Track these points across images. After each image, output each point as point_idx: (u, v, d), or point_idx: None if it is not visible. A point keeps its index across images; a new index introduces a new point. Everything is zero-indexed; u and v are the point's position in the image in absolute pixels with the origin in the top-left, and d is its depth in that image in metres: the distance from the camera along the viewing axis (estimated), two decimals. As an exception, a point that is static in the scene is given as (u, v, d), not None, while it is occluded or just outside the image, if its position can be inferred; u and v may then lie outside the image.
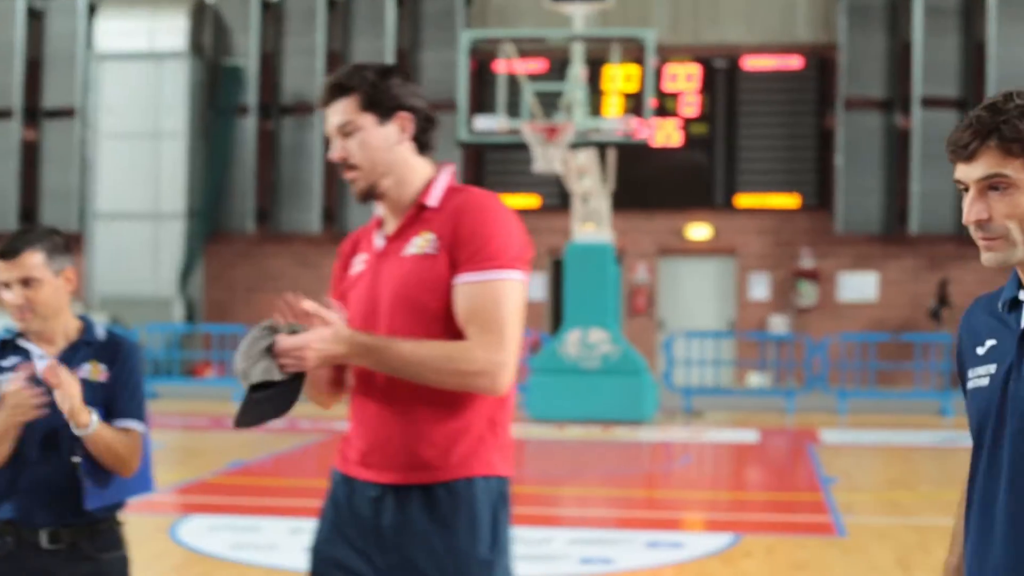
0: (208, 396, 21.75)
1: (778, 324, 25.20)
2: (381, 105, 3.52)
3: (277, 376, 3.29)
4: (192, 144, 26.14)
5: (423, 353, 3.35)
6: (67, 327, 4.22)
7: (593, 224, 19.44)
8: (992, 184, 2.55)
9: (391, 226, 3.58)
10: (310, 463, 14.29)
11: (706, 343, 22.25)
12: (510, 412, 3.57)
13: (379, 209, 3.62)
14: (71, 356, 4.17)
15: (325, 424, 17.27)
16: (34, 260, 4.10)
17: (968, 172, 2.58)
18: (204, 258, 26.73)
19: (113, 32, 26.18)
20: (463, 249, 3.42)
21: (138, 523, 8.24)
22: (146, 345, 23.09)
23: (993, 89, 23.98)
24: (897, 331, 23.88)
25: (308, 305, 3.35)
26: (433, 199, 3.53)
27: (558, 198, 24.12)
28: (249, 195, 26.52)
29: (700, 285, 25.97)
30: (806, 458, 14.69)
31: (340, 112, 3.52)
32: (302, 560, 8.32)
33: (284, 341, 3.30)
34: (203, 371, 24.53)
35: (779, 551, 8.99)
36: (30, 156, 27.38)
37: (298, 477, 13.27)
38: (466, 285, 3.40)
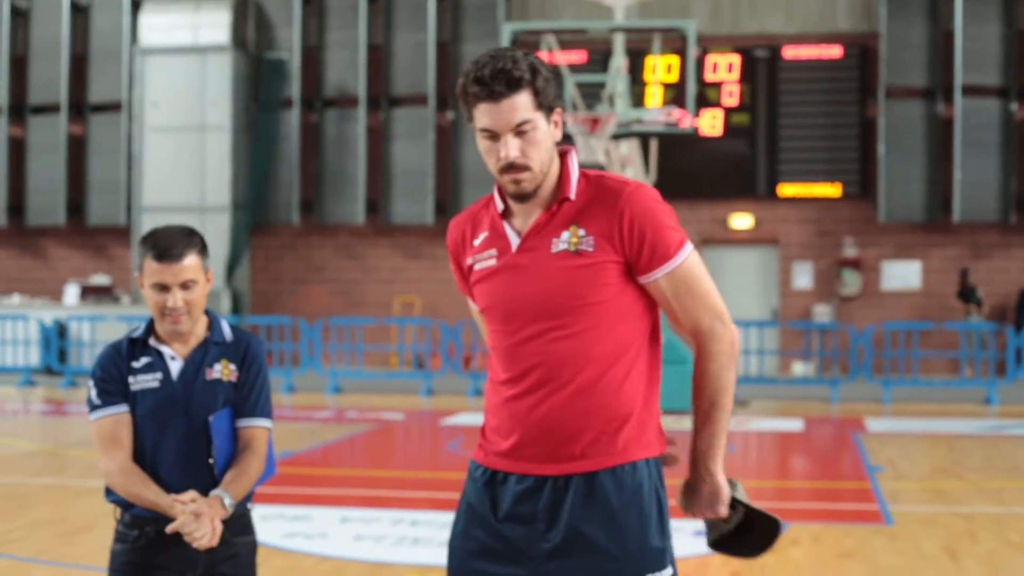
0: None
1: (822, 313, 25.21)
2: (547, 102, 3.37)
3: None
4: (236, 137, 26.36)
5: (727, 400, 3.75)
6: (199, 325, 4.23)
7: (636, 214, 19.45)
8: None
9: (525, 219, 3.47)
10: (358, 453, 14.42)
11: (750, 332, 22.26)
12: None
13: (499, 202, 3.50)
14: (201, 356, 4.19)
15: (373, 414, 17.41)
16: (194, 262, 4.08)
17: None
18: (250, 250, 26.96)
19: (157, 27, 26.43)
20: (646, 248, 3.45)
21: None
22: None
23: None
24: (941, 319, 23.83)
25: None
26: (573, 192, 3.45)
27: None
28: (294, 187, 26.72)
29: (743, 275, 25.99)
30: (852, 447, 14.72)
31: (517, 109, 3.31)
32: (351, 548, 8.48)
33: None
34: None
35: (826, 539, 9.04)
36: (77, 150, 27.67)
37: (346, 467, 13.40)
38: (665, 278, 3.48)
